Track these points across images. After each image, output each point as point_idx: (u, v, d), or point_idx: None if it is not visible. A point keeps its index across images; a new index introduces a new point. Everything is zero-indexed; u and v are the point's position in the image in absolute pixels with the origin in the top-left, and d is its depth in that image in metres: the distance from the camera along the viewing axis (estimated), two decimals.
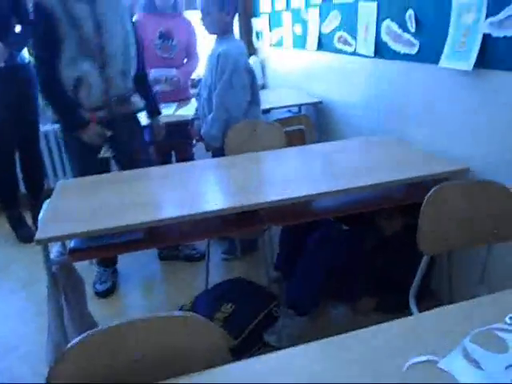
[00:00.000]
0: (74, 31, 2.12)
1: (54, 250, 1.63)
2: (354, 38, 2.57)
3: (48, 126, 3.60)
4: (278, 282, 2.32)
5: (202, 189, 1.91)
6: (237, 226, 1.85)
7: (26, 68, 3.00)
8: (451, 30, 1.82)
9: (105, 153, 2.28)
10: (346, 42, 2.68)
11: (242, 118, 2.44)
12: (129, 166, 2.27)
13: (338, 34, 2.76)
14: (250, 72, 2.44)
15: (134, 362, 0.85)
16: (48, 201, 1.73)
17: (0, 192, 3.22)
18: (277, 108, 3.20)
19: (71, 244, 1.63)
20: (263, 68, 4.23)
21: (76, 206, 1.71)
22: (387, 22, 2.24)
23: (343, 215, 2.11)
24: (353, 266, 2.13)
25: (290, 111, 3.39)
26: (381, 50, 2.34)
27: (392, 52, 2.24)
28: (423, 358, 0.84)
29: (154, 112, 2.58)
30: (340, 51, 2.77)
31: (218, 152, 2.50)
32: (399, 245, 2.10)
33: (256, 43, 4.29)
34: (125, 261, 2.69)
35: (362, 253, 2.16)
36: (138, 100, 2.42)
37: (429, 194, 1.40)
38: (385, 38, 2.28)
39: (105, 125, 2.27)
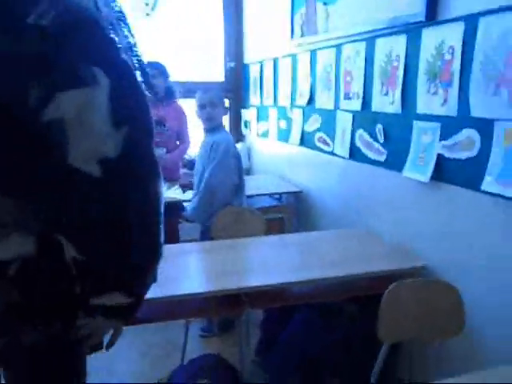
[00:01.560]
0: None
1: None
2: (332, 140, 2.91)
3: None
4: (255, 365, 2.43)
5: (187, 271, 2.10)
6: (217, 308, 2.03)
7: None
8: (412, 147, 2.14)
9: None
10: (325, 143, 3.02)
11: (227, 199, 2.70)
12: None
13: (318, 134, 3.10)
14: (238, 158, 2.77)
15: None
16: None
17: None
18: (261, 195, 3.48)
19: None
20: (249, 154, 4.57)
21: None
22: (360, 131, 2.58)
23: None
24: (325, 356, 2.27)
25: (272, 197, 3.68)
26: (354, 154, 2.66)
27: (364, 156, 2.56)
28: None
29: None
30: (319, 149, 3.10)
31: (205, 233, 2.73)
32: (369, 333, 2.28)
33: (244, 131, 4.67)
34: None
35: (333, 342, 2.31)
36: None
37: (387, 290, 1.62)
38: (358, 143, 2.61)
39: None
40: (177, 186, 3.41)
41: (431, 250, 2.10)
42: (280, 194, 3.52)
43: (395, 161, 2.29)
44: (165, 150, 3.47)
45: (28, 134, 0.82)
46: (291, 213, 3.07)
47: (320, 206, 3.17)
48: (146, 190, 0.94)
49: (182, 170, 3.85)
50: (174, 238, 3.39)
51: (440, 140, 1.97)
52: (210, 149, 2.69)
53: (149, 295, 1.70)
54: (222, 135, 2.76)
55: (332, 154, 2.93)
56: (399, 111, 2.23)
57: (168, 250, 2.37)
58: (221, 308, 2.01)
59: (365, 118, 2.54)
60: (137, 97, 0.91)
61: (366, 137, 2.53)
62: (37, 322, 0.98)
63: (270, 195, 3.59)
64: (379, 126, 2.40)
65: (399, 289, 1.64)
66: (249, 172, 4.45)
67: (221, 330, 2.94)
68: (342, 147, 2.79)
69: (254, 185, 3.57)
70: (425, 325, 1.67)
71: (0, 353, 1.04)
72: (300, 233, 2.66)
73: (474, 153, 1.80)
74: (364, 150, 2.56)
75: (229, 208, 2.71)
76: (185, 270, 2.11)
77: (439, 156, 1.98)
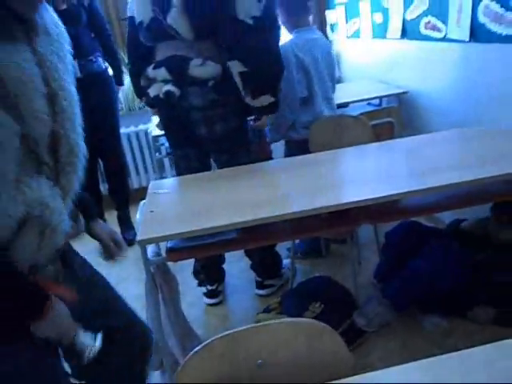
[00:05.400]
0: None
1: (149, 250, 1.64)
2: (445, 22, 2.40)
3: (130, 129, 3.73)
4: (374, 288, 2.20)
5: (290, 187, 1.86)
6: (329, 226, 1.78)
7: (104, 74, 3.04)
8: None
9: None
10: (434, 28, 2.52)
11: (290, 116, 2.41)
12: None
13: (425, 19, 2.60)
14: (305, 67, 2.39)
15: (257, 369, 0.82)
16: (143, 202, 1.75)
17: None
18: (356, 101, 3.09)
19: (168, 244, 1.64)
20: (339, 61, 4.11)
21: (171, 206, 1.73)
22: (485, 2, 2.06)
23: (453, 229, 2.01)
24: (465, 278, 1.98)
25: (370, 104, 3.27)
26: (477, 33, 2.17)
27: (492, 34, 2.06)
28: None
29: None
30: (427, 38, 2.61)
31: (294, 148, 2.46)
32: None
33: (330, 35, 4.19)
34: None
35: (474, 263, 2.00)
36: None
37: None
38: (482, 19, 2.10)
39: None
40: None
41: None
42: (381, 97, 3.10)
43: None
44: None
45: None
46: (398, 116, 2.67)
47: (432, 106, 2.72)
48: (275, 31, 1.91)
49: None
50: (266, 156, 3.17)
51: None
52: None
53: (259, 215, 1.53)
54: (286, 42, 2.43)
55: (444, 40, 2.44)
56: None
57: (267, 166, 2.17)
58: (332, 225, 1.77)
59: None
60: None
61: (495, 7, 2.01)
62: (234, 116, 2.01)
63: (368, 101, 3.18)
64: None
65: None
66: (340, 80, 4.02)
67: (305, 255, 2.72)
68: (459, 28, 2.28)
69: (346, 93, 3.17)
70: None
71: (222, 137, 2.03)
72: (412, 136, 2.28)
73: None
74: (491, 25, 2.06)
75: (326, 117, 2.39)
76: (288, 186, 1.87)
77: None
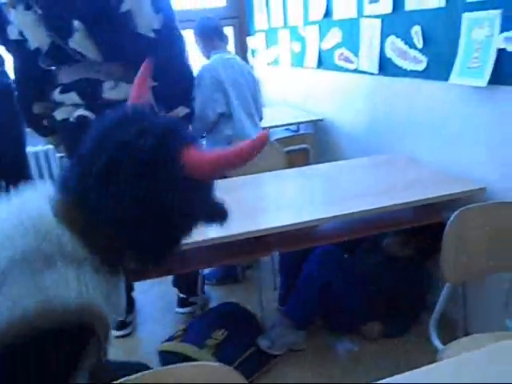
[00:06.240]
0: None
1: None
2: (356, 55, 2.51)
3: (38, 148, 3.50)
4: (280, 313, 2.18)
5: None
6: (243, 253, 1.75)
7: (8, 89, 2.83)
8: (462, 46, 1.75)
9: None
10: (347, 60, 2.62)
11: (205, 129, 2.55)
12: None
13: (339, 50, 2.70)
14: (221, 85, 2.47)
15: None
16: None
17: None
18: (274, 127, 3.12)
19: None
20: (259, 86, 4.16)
21: None
22: (392, 39, 2.17)
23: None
24: (352, 290, 2.04)
25: (288, 130, 3.32)
26: (385, 67, 2.27)
27: (397, 69, 2.17)
28: None
29: None
30: (341, 68, 2.71)
31: None
32: (405, 268, 2.03)
33: (251, 61, 4.24)
34: None
35: (362, 276, 2.07)
36: None
37: (451, 218, 1.31)
38: (389, 54, 2.21)
39: None
40: None
41: (492, 172, 1.75)
42: (297, 123, 3.16)
43: (438, 68, 1.91)
44: None
45: (114, 16, 1.64)
46: (313, 143, 2.73)
47: (345, 134, 2.81)
48: (178, 42, 1.81)
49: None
50: None
51: (501, 32, 1.59)
52: None
53: None
54: (204, 65, 2.54)
55: (356, 71, 2.54)
56: (443, 4, 1.83)
57: None
58: (246, 252, 1.73)
59: (397, 21, 2.12)
60: None
61: (400, 44, 2.13)
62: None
63: (286, 127, 3.23)
64: (416, 29, 2.00)
65: (464, 216, 1.32)
66: None
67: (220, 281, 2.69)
68: (368, 61, 2.39)
69: (265, 118, 3.19)
70: (500, 258, 1.36)
71: None
72: (325, 163, 2.33)
73: None
74: (397, 60, 2.17)
75: (237, 142, 2.39)
76: None
77: (500, 52, 1.60)
